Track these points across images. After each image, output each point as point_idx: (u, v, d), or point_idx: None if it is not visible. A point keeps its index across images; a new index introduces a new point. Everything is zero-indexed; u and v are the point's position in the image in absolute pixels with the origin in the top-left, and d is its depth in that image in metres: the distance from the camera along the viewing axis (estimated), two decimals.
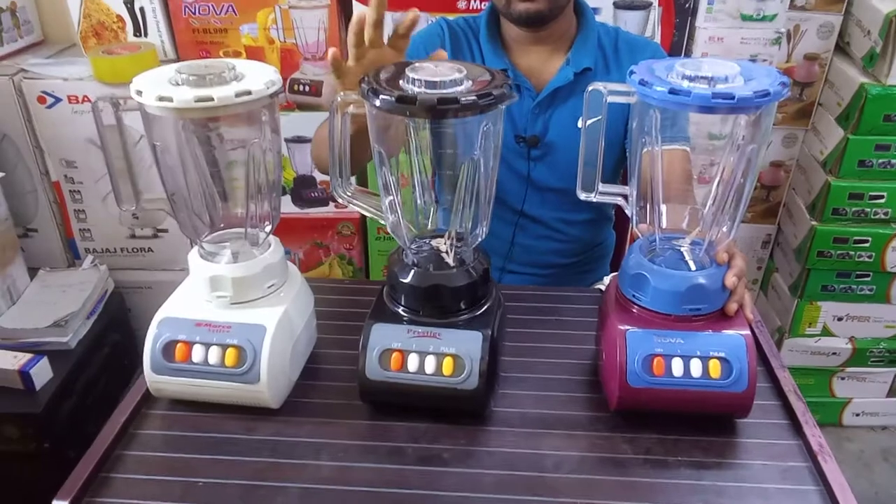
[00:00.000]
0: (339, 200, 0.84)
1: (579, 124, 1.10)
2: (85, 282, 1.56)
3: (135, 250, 1.68)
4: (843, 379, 1.79)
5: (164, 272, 1.70)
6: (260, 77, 0.72)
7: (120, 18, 1.53)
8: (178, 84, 0.70)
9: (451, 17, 1.20)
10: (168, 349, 0.78)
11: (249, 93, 0.69)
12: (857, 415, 1.84)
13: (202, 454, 0.76)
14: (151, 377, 0.79)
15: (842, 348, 1.74)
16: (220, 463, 0.75)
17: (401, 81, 0.71)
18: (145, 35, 1.55)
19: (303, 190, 1.69)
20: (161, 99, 0.67)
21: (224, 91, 0.69)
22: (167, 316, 0.79)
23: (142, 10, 1.52)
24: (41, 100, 1.51)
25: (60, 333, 1.42)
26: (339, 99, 0.77)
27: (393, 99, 0.67)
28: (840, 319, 1.70)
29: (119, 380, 1.58)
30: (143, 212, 0.79)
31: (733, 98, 0.65)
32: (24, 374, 1.30)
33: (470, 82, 0.71)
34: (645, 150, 0.78)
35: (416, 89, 0.70)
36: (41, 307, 1.48)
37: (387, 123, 0.76)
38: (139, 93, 0.69)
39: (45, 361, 1.33)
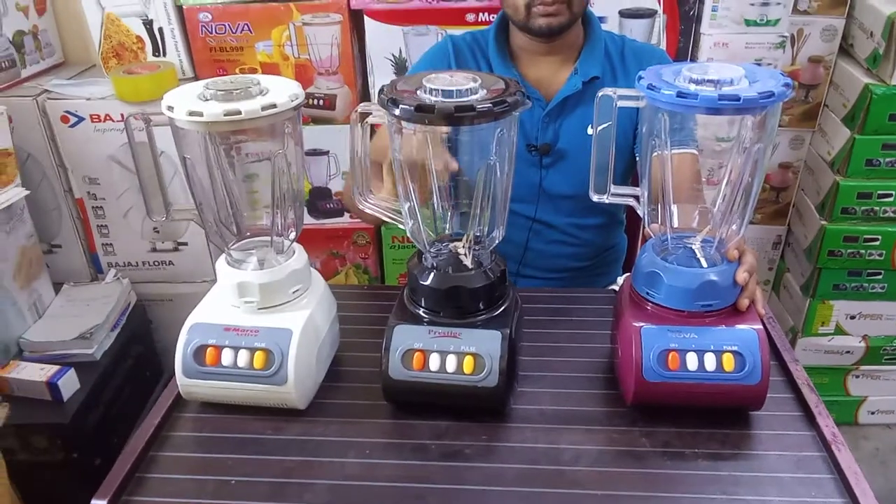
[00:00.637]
0: (360, 208, 0.87)
1: (589, 131, 1.13)
2: (108, 295, 1.60)
3: (156, 264, 1.72)
4: (857, 377, 1.80)
5: (185, 284, 1.74)
6: (284, 91, 0.75)
7: (139, 39, 1.58)
8: (206, 99, 0.74)
9: (459, 30, 1.23)
10: (199, 353, 0.81)
11: (275, 106, 0.73)
12: (873, 413, 1.84)
13: (233, 454, 0.79)
14: (183, 381, 0.82)
15: (855, 346, 1.74)
16: (251, 462, 0.78)
17: (418, 91, 0.74)
18: (164, 54, 1.60)
19: (318, 201, 1.73)
20: (192, 113, 0.71)
21: (251, 105, 0.72)
22: (197, 321, 0.82)
23: (160, 30, 1.57)
24: (64, 119, 1.55)
25: (86, 346, 1.45)
26: (357, 110, 0.81)
27: (412, 108, 0.70)
28: (853, 318, 1.71)
29: (142, 391, 1.62)
30: (172, 222, 0.82)
31: (739, 99, 0.68)
32: (52, 385, 1.34)
33: (485, 91, 0.75)
34: (655, 153, 0.81)
35: (434, 98, 0.73)
36: (66, 320, 1.52)
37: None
38: (170, 108, 0.72)
39: (72, 373, 1.37)
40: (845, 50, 1.62)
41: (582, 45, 1.15)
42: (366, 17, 1.54)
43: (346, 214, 1.74)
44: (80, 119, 1.55)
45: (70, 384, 1.37)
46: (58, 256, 1.70)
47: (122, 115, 1.53)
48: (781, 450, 0.77)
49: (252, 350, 0.80)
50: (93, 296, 1.60)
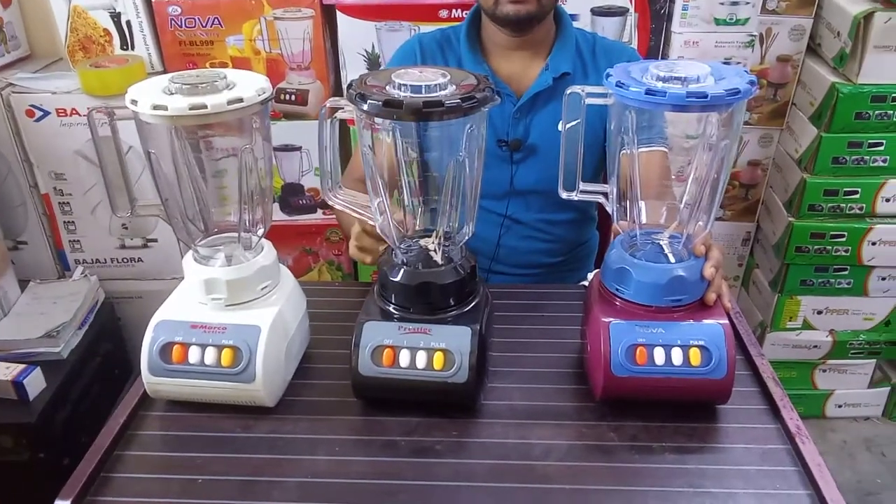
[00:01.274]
0: (330, 204, 0.86)
1: (560, 127, 1.13)
2: (76, 293, 1.57)
3: (125, 260, 1.70)
4: (824, 371, 1.83)
5: (154, 281, 1.71)
6: (251, 85, 0.75)
7: (107, 32, 1.55)
8: (171, 93, 0.73)
9: (432, 26, 1.23)
10: (165, 351, 0.80)
11: (241, 100, 0.72)
12: (840, 406, 1.88)
13: (200, 452, 0.78)
14: (149, 379, 0.81)
15: (822, 341, 1.78)
16: (218, 460, 0.77)
17: (387, 87, 0.74)
18: (132, 48, 1.57)
19: (291, 197, 1.71)
20: (156, 107, 0.70)
21: (217, 99, 0.71)
22: (164, 319, 0.81)
23: (128, 23, 1.54)
24: (29, 113, 1.52)
25: (52, 344, 1.43)
26: (327, 105, 0.80)
27: (380, 103, 0.70)
28: (820, 313, 1.75)
29: (111, 389, 1.59)
30: (138, 217, 0.81)
31: (706, 96, 0.69)
32: (17, 384, 1.31)
33: (454, 86, 0.74)
34: (624, 151, 0.81)
35: (403, 94, 0.72)
36: (33, 318, 1.49)
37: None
38: (134, 102, 0.71)
39: (38, 372, 1.34)
40: (813, 49, 1.65)
41: (553, 41, 1.16)
42: (338, 13, 1.53)
43: (319, 211, 1.73)
44: (46, 113, 1.52)
45: (36, 383, 1.34)
46: (23, 253, 1.67)
47: (88, 109, 1.50)
48: (747, 443, 0.78)
49: (219, 347, 0.79)
50: (59, 293, 1.57)
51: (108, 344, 1.62)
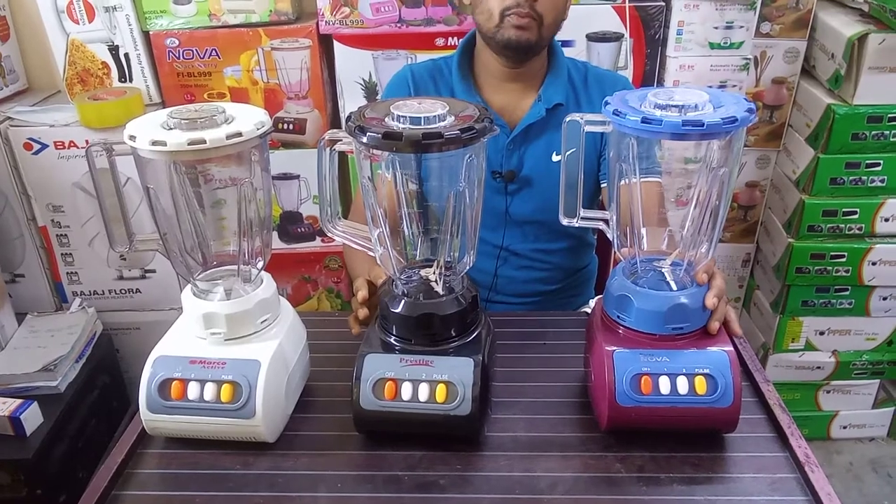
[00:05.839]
0: (330, 235, 0.86)
1: (555, 158, 1.13)
2: (73, 325, 1.56)
3: (122, 292, 1.69)
4: (828, 392, 1.82)
5: (153, 312, 1.70)
6: (250, 119, 0.74)
7: (105, 65, 1.56)
8: (170, 128, 0.72)
9: (428, 54, 1.23)
10: (163, 387, 0.79)
11: (240, 134, 0.72)
12: (845, 427, 1.86)
13: (199, 491, 0.76)
14: (147, 416, 0.80)
15: (825, 362, 1.76)
16: (218, 499, 0.75)
17: (386, 118, 0.74)
18: (130, 80, 1.58)
19: (289, 225, 1.71)
20: (155, 143, 0.70)
21: (215, 133, 0.71)
22: (162, 354, 0.80)
23: (126, 56, 1.55)
24: (27, 146, 1.52)
25: (50, 378, 1.41)
26: (325, 137, 0.80)
27: (380, 135, 0.70)
28: (822, 333, 1.74)
29: (109, 422, 1.58)
30: (136, 252, 0.80)
31: (703, 125, 0.69)
32: (14, 419, 1.29)
33: (453, 117, 0.74)
34: (622, 181, 0.81)
35: (402, 125, 0.72)
36: (30, 352, 1.47)
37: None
38: (133, 137, 0.71)
39: (35, 406, 1.33)
40: (807, 71, 1.66)
41: (545, 72, 1.15)
42: (335, 42, 1.54)
43: (318, 238, 1.73)
44: (44, 146, 1.52)
45: (33, 418, 1.33)
46: (21, 286, 1.66)
47: (86, 142, 1.51)
48: (755, 472, 0.77)
49: (219, 383, 0.78)
50: (57, 326, 1.56)
51: (106, 376, 1.60)
